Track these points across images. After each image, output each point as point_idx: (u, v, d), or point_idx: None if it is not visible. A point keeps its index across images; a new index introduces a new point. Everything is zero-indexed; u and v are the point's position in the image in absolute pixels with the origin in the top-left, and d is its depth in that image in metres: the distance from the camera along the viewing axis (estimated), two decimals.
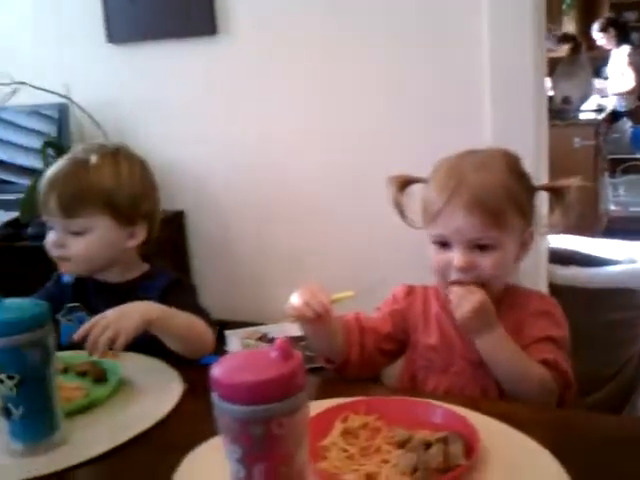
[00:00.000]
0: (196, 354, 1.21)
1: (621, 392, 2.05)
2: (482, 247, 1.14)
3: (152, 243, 1.40)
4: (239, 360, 0.69)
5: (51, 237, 1.32)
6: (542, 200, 1.28)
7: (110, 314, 1.12)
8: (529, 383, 1.10)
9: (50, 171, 1.34)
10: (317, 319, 1.09)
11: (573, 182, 1.19)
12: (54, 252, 1.32)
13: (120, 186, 1.32)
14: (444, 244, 1.17)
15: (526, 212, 1.19)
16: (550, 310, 1.21)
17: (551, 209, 1.23)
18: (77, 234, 1.30)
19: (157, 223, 1.41)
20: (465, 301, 1.11)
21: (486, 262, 1.14)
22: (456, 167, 1.18)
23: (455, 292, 1.13)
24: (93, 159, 1.32)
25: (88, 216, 1.30)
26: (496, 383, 1.15)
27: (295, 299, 1.10)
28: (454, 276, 1.15)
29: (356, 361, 1.22)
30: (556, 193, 1.21)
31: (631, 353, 2.15)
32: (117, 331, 1.09)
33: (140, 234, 1.36)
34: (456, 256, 1.14)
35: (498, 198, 1.14)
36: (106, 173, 1.32)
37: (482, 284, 1.14)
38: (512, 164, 1.20)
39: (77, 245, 1.30)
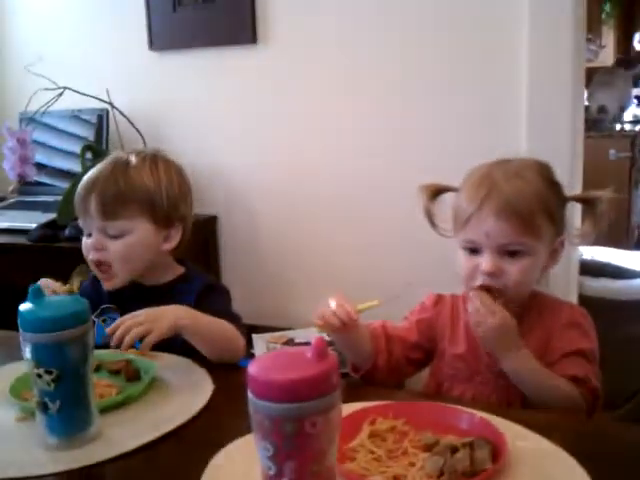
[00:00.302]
0: (226, 360, 1.22)
1: None
2: (511, 253, 1.14)
3: (184, 246, 1.41)
4: (275, 358, 0.70)
5: (89, 241, 1.33)
6: (574, 211, 1.29)
7: (145, 312, 1.14)
8: (556, 401, 1.10)
9: (89, 175, 1.34)
10: (343, 328, 1.12)
11: (604, 194, 1.19)
12: (93, 255, 1.32)
13: (159, 189, 1.33)
14: (473, 250, 1.17)
15: (557, 220, 1.19)
16: (580, 322, 1.21)
17: (582, 219, 1.23)
18: (115, 237, 1.31)
19: (189, 227, 1.42)
20: (484, 322, 1.12)
21: (514, 268, 1.14)
22: (488, 175, 1.19)
23: (476, 309, 1.13)
24: (132, 162, 1.34)
25: (128, 218, 1.31)
26: (521, 394, 1.15)
27: (322, 309, 1.12)
28: (480, 280, 1.16)
29: (383, 368, 1.23)
30: (587, 204, 1.21)
31: None
32: (149, 329, 1.11)
33: (175, 237, 1.37)
34: (484, 260, 1.15)
35: (530, 204, 1.14)
36: (145, 176, 1.33)
37: (507, 291, 1.15)
38: (545, 173, 1.21)
39: (116, 248, 1.31)
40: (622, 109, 4.77)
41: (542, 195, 1.16)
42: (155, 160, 1.37)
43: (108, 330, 1.13)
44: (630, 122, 4.77)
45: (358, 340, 1.20)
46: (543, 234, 1.16)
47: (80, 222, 1.36)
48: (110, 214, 1.30)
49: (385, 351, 1.24)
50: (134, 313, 1.14)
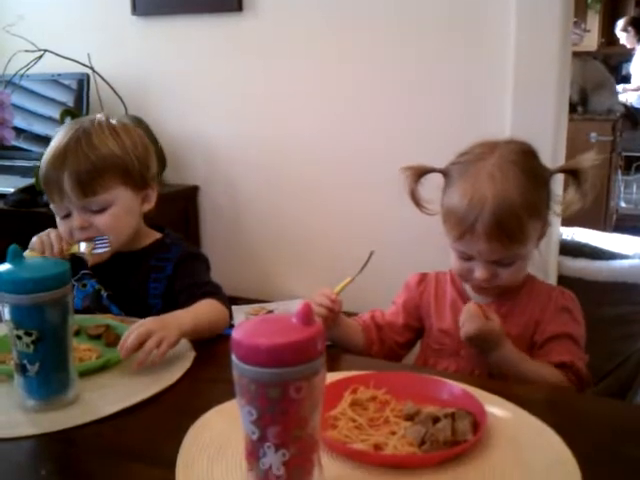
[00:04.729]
0: (211, 337, 1.20)
1: (617, 389, 2.05)
2: (503, 263, 1.18)
3: (156, 207, 1.38)
4: (260, 323, 0.69)
5: (73, 223, 1.27)
6: (557, 180, 1.29)
7: (151, 322, 1.09)
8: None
9: (52, 152, 1.26)
10: (331, 314, 1.18)
11: (588, 157, 1.19)
12: (80, 235, 1.27)
13: (127, 153, 1.29)
14: (466, 257, 1.20)
15: (544, 214, 1.21)
16: (570, 306, 1.24)
17: (566, 189, 1.23)
18: (98, 211, 1.27)
19: (157, 185, 1.39)
20: (471, 322, 1.13)
21: (506, 273, 1.19)
22: (478, 189, 1.15)
23: (467, 309, 1.14)
24: (92, 131, 1.28)
25: (107, 190, 1.26)
26: None
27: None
28: (475, 282, 1.20)
29: (378, 356, 1.28)
30: (573, 174, 1.21)
31: (632, 350, 2.14)
32: (161, 338, 1.07)
33: (153, 196, 1.35)
34: (478, 270, 1.18)
35: (518, 217, 1.14)
36: (110, 143, 1.28)
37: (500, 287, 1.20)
38: (527, 164, 1.19)
39: (102, 221, 1.27)
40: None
41: (528, 197, 1.15)
42: (112, 125, 1.32)
43: (120, 345, 1.06)
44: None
45: (350, 334, 1.26)
46: (532, 234, 1.18)
47: (54, 204, 1.29)
48: (89, 190, 1.25)
49: (377, 341, 1.29)
50: (140, 322, 1.09)
